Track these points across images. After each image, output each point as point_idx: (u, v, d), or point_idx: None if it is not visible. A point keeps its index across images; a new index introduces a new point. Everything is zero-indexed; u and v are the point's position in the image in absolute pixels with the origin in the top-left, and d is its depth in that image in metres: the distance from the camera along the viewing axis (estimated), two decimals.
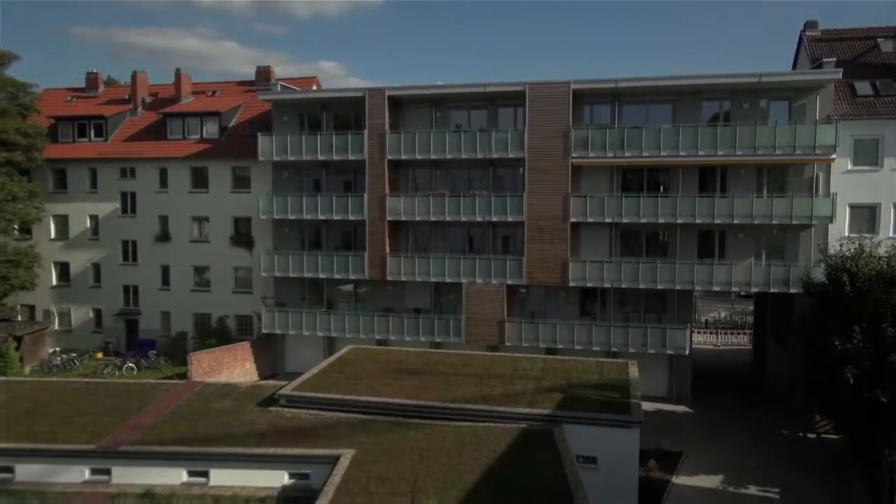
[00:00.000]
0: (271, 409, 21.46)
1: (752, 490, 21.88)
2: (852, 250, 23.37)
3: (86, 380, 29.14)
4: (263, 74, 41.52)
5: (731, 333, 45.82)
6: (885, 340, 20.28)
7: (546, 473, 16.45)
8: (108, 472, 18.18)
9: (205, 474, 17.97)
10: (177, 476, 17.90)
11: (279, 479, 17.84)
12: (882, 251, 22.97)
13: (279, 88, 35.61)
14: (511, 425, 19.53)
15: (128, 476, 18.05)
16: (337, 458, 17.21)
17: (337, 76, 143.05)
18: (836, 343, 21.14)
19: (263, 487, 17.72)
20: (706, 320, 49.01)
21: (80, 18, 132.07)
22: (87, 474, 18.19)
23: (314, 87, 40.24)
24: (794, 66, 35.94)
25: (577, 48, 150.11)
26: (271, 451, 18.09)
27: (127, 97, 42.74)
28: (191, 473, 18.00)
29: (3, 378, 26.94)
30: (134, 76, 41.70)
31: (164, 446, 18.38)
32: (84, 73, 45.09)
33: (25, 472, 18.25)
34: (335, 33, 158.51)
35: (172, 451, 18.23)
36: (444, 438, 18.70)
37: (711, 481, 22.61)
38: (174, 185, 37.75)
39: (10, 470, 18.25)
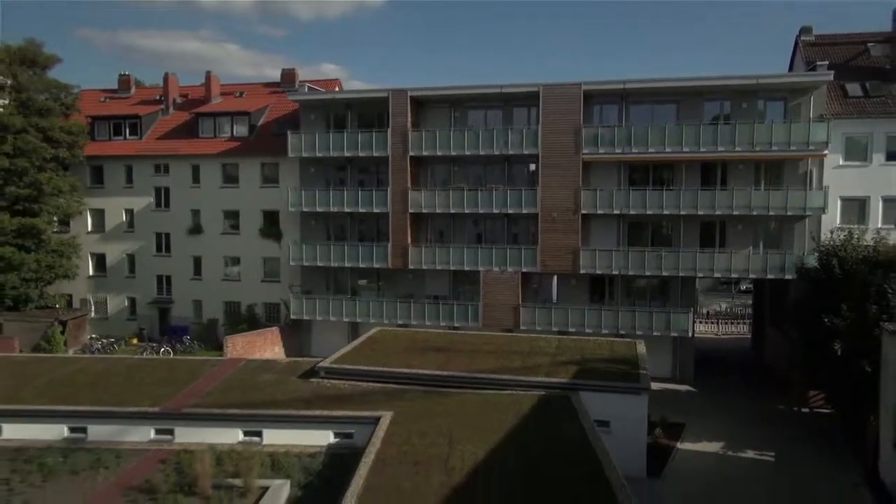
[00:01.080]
0: (312, 380, 23.41)
1: (750, 454, 23.78)
2: (842, 238, 25.32)
3: (136, 357, 31.14)
4: (288, 76, 43.56)
5: (732, 323, 47.69)
6: (869, 317, 22.22)
7: (566, 430, 18.41)
8: (171, 432, 20.01)
9: (258, 434, 19.80)
10: (233, 436, 19.69)
11: (325, 438, 19.62)
12: (869, 238, 24.90)
13: (306, 90, 37.60)
14: (532, 392, 21.49)
15: (189, 436, 19.86)
16: (378, 419, 19.09)
17: (339, 78, 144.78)
18: (826, 321, 23.10)
19: (312, 446, 19.53)
20: (708, 312, 50.87)
21: (85, 20, 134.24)
22: (152, 434, 20.02)
23: (336, 89, 42.23)
24: (791, 68, 37.84)
25: (578, 47, 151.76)
26: (318, 412, 20.01)
27: (159, 98, 44.78)
28: (246, 433, 19.83)
29: (61, 354, 28.96)
30: (166, 78, 43.74)
31: (221, 409, 20.33)
32: (92, 73, 47.55)
33: (97, 432, 19.99)
34: (336, 35, 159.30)
35: (230, 413, 20.14)
36: (472, 403, 20.66)
37: (713, 447, 24.52)
38: (206, 180, 39.77)
39: (83, 430, 20.10)
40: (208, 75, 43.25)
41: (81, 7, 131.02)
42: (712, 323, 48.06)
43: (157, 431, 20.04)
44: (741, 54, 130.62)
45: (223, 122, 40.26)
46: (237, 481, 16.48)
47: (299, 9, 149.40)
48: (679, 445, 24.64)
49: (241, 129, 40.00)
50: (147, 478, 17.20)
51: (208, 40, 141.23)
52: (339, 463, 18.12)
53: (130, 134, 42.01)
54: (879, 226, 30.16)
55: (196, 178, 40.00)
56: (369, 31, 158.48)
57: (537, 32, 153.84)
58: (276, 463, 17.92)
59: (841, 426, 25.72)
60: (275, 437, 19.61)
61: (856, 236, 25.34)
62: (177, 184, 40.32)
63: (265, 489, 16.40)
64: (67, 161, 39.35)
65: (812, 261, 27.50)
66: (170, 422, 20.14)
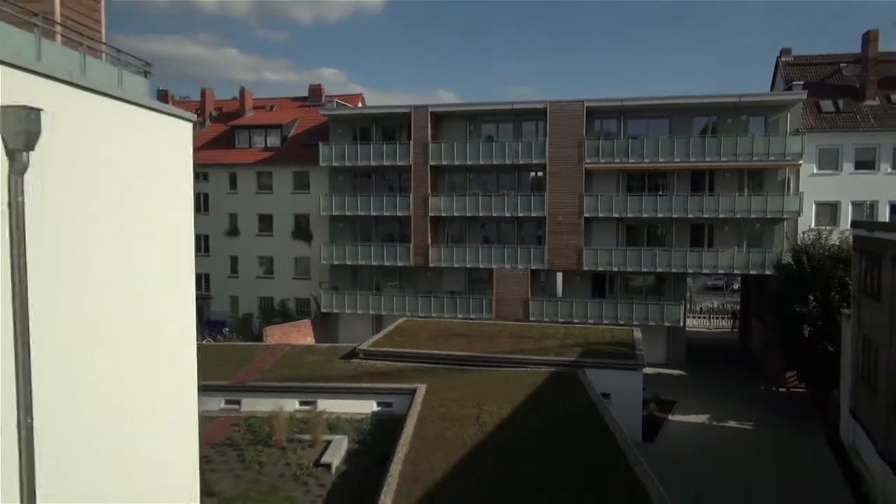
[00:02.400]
0: (352, 360, 26.85)
1: (731, 423, 27.19)
2: (812, 238, 28.80)
3: None
4: (315, 91, 47.08)
5: (722, 318, 51.05)
6: (832, 304, 25.65)
7: (576, 398, 21.86)
8: (238, 402, 23.46)
9: (313, 403, 23.23)
10: (291, 405, 23.06)
11: (370, 406, 23.02)
12: (835, 237, 28.36)
13: (335, 105, 41.10)
14: (544, 369, 24.94)
15: (253, 405, 23.28)
16: (415, 390, 22.52)
17: (338, 83, 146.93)
18: (797, 308, 26.54)
19: (359, 413, 22.96)
20: (700, 308, 54.22)
21: None
22: (222, 403, 23.45)
23: (359, 104, 45.73)
24: (772, 84, 41.32)
25: (576, 54, 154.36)
26: (364, 385, 23.48)
27: (195, 111, 48.27)
28: (302, 403, 23.25)
29: None
30: (203, 93, 47.29)
31: (280, 382, 23.79)
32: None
33: None
34: (336, 40, 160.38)
35: (288, 385, 23.62)
36: (493, 378, 24.10)
37: (699, 419, 27.92)
38: (242, 187, 43.24)
39: None
40: (242, 90, 46.79)
41: None
42: (704, 318, 51.40)
43: (227, 402, 23.48)
44: (736, 65, 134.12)
45: (257, 133, 43.77)
46: (306, 436, 19.88)
47: (299, 13, 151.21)
48: (670, 417, 28.05)
49: (273, 140, 43.50)
50: (227, 436, 20.62)
51: (208, 45, 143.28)
52: (384, 426, 21.52)
53: None
54: (849, 227, 33.55)
55: (233, 185, 43.46)
56: (368, 36, 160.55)
57: (535, 35, 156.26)
58: (332, 425, 21.32)
59: (810, 400, 29.14)
60: (326, 406, 22.93)
61: (824, 236, 28.82)
62: (215, 190, 43.79)
63: (328, 442, 19.82)
64: None
65: (787, 257, 30.95)
66: (237, 393, 23.60)
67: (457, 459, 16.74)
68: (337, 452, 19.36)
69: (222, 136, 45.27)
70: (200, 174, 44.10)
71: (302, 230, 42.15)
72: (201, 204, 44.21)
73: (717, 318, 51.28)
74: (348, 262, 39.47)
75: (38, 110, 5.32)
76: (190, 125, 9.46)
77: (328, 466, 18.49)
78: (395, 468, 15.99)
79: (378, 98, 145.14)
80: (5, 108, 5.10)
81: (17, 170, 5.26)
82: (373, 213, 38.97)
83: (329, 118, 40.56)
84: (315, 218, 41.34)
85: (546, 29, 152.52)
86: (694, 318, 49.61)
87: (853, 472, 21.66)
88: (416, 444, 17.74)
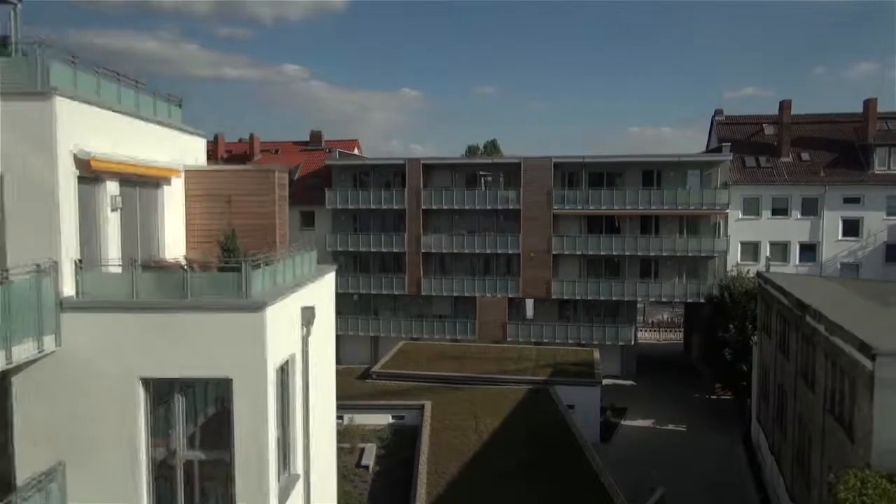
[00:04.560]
0: (367, 381, 32.66)
1: (670, 426, 33.77)
2: (734, 275, 35.62)
3: None
4: (315, 137, 52.66)
5: (670, 331, 57.92)
6: (747, 332, 32.41)
7: (549, 410, 28.09)
8: None
9: (341, 417, 28.87)
10: None
11: (386, 419, 28.80)
12: (757, 270, 35.17)
13: (337, 155, 46.69)
14: (523, 386, 31.11)
15: None
16: (423, 406, 28.42)
17: (300, 79, 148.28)
18: (720, 333, 33.27)
19: (378, 424, 28.75)
20: (652, 321, 61.06)
21: (31, 17, 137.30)
22: None
23: (355, 150, 51.43)
24: (709, 138, 48.37)
25: (539, 43, 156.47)
26: (382, 402, 29.34)
27: (207, 153, 53.26)
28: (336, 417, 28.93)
29: None
30: (216, 138, 52.46)
31: None
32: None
33: None
34: (298, 36, 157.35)
35: None
36: (483, 394, 30.18)
37: (646, 423, 34.41)
38: None
39: None
40: (251, 136, 52.13)
41: (30, 5, 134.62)
42: (655, 331, 58.25)
43: None
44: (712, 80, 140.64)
45: None
46: (346, 444, 25.64)
47: (260, 10, 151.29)
48: (623, 422, 34.48)
49: None
50: None
51: (167, 41, 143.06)
52: (399, 435, 27.44)
53: None
54: (767, 262, 40.59)
55: None
56: (331, 33, 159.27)
57: (499, 30, 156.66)
58: (362, 435, 27.11)
59: (732, 407, 35.92)
60: (354, 419, 28.62)
61: (744, 273, 35.67)
62: None
63: (363, 449, 25.67)
64: None
65: (716, 289, 37.71)
66: None
67: (465, 460, 22.83)
68: (370, 456, 25.26)
69: None
70: None
71: None
72: None
73: (666, 330, 58.17)
74: (350, 291, 45.13)
75: (312, 307, 11.15)
76: (204, 140, 14.65)
77: (367, 468, 24.38)
78: (423, 468, 21.98)
79: (340, 95, 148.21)
80: (304, 308, 10.91)
81: (306, 333, 11.10)
82: (372, 249, 44.73)
83: (333, 167, 46.20)
84: (319, 252, 46.67)
85: (511, 29, 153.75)
86: (645, 331, 56.38)
87: (757, 462, 28.32)
88: (433, 450, 23.75)
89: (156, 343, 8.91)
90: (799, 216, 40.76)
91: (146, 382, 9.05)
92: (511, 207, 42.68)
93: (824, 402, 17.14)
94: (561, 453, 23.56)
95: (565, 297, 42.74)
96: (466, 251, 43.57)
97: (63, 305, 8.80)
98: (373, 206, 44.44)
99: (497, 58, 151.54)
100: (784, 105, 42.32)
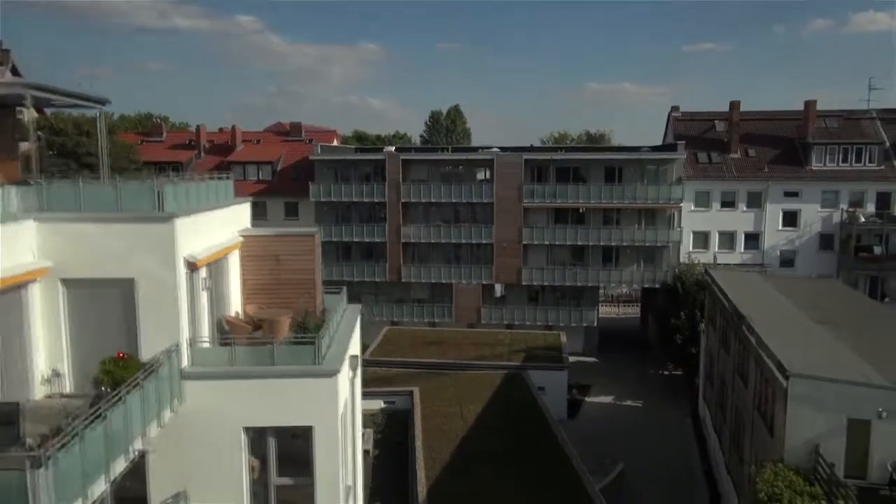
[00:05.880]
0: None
1: (628, 402, 37.86)
2: (686, 265, 39.46)
3: None
4: (295, 128, 54.46)
5: (628, 306, 62.12)
6: (695, 319, 36.36)
7: (523, 393, 31.64)
8: None
9: None
10: None
11: (378, 404, 31.87)
12: (702, 263, 39.02)
13: (319, 150, 48.66)
14: (499, 371, 34.57)
15: None
16: (412, 392, 31.62)
17: (254, 31, 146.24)
18: (672, 320, 37.18)
19: (371, 409, 31.83)
20: (612, 294, 65.11)
21: None
22: None
23: (334, 142, 53.39)
24: (665, 133, 51.83)
25: (500, 9, 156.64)
26: (375, 389, 32.39)
27: (189, 142, 54.67)
28: None
29: None
30: (198, 129, 53.75)
31: None
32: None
33: None
34: None
35: None
36: (465, 379, 33.54)
37: (607, 399, 38.42)
38: None
39: None
40: (233, 128, 53.58)
41: None
42: (614, 305, 62.40)
43: None
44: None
45: (251, 168, 50.94)
46: None
47: None
48: (587, 399, 38.42)
49: (265, 173, 50.78)
50: None
51: None
52: (391, 419, 30.64)
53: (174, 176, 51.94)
54: (716, 250, 44.63)
55: None
56: None
57: None
58: None
59: (683, 384, 40.19)
60: None
61: (695, 261, 39.55)
62: None
63: (363, 432, 28.81)
64: None
65: (669, 277, 41.58)
66: None
67: (455, 444, 26.23)
68: (369, 440, 28.43)
69: (218, 168, 51.91)
70: None
71: None
72: None
73: (624, 305, 62.34)
74: (335, 278, 47.72)
75: (357, 356, 14.05)
76: (248, 203, 17.13)
77: (367, 452, 27.55)
78: (420, 452, 25.25)
79: (300, 49, 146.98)
80: (352, 356, 13.81)
81: (353, 376, 14.06)
82: (355, 239, 47.34)
83: (316, 161, 48.27)
84: None
85: None
86: (606, 305, 60.44)
87: (702, 435, 32.50)
88: (426, 435, 27.06)
89: (254, 400, 11.77)
90: (745, 208, 44.74)
91: (247, 430, 11.93)
92: (485, 201, 45.61)
93: (754, 399, 20.88)
94: (535, 434, 27.19)
95: (534, 284, 46.21)
96: (443, 241, 46.50)
97: (183, 374, 11.58)
98: (355, 199, 46.86)
99: (460, 15, 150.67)
100: (734, 105, 45.86)
